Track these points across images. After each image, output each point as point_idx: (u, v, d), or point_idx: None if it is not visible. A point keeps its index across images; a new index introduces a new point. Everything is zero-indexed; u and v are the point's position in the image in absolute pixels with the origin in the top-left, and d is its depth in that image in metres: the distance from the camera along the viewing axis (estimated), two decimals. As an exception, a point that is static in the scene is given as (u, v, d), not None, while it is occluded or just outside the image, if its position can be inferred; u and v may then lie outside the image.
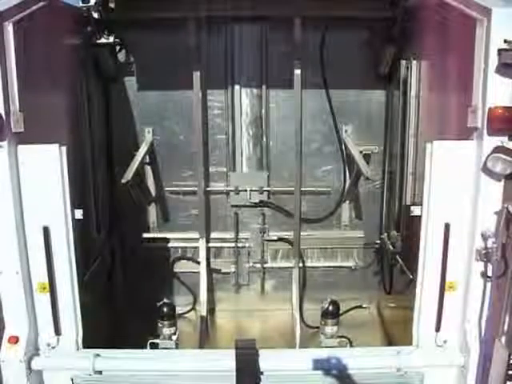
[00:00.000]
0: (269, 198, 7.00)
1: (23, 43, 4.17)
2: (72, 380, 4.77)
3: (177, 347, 5.80)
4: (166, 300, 5.91)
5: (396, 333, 6.24)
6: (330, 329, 5.91)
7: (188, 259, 7.12)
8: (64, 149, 4.39)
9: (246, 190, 6.87)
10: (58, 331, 4.68)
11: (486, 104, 4.05)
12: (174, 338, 5.82)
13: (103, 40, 6.15)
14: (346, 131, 6.78)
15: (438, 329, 4.65)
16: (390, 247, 6.51)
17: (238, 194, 6.92)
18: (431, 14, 5.22)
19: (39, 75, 4.55)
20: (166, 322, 5.78)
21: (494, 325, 4.32)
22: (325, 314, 5.94)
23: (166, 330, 5.79)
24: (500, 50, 3.92)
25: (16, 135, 4.19)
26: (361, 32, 6.41)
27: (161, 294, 6.20)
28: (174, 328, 5.84)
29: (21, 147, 4.27)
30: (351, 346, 5.85)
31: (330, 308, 5.92)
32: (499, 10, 3.92)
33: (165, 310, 5.82)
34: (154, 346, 5.70)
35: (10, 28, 4.02)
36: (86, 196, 5.96)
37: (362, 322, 6.54)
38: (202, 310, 6.41)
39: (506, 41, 3.91)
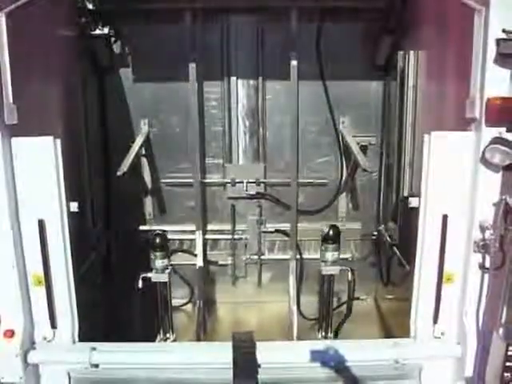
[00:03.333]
0: (265, 189, 6.98)
1: (16, 34, 4.12)
2: (68, 373, 4.76)
3: (169, 280, 5.77)
4: (158, 231, 5.82)
5: (393, 324, 6.24)
6: (330, 255, 5.80)
7: (184, 251, 7.10)
8: (58, 141, 4.36)
9: (242, 182, 6.85)
10: (53, 325, 4.67)
11: (484, 95, 4.03)
12: (167, 271, 5.73)
13: (98, 31, 6.12)
14: (342, 122, 6.76)
15: (435, 320, 4.65)
16: (388, 239, 6.51)
17: (234, 185, 6.90)
18: (429, 4, 5.19)
19: (33, 67, 4.52)
20: (158, 254, 5.66)
21: (491, 316, 4.32)
22: (325, 239, 5.81)
23: (159, 263, 5.67)
24: (498, 40, 3.89)
25: (10, 127, 4.16)
26: (358, 22, 6.37)
27: (157, 286, 6.19)
28: (167, 260, 5.74)
29: (15, 139, 4.24)
30: (353, 275, 5.86)
31: (331, 232, 5.80)
32: (498, 0, 3.88)
33: (157, 240, 5.69)
34: (147, 280, 5.65)
35: (2, 19, 3.98)
36: (81, 188, 5.93)
37: (360, 314, 6.52)
38: (199, 302, 6.40)
39: (504, 30, 3.89)
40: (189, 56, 6.18)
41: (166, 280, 5.74)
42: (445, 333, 4.67)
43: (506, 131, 4.07)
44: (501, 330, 4.24)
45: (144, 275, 5.64)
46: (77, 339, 4.79)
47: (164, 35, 6.33)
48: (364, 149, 6.67)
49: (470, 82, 4.15)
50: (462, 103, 4.25)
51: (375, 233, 7.07)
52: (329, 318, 6.14)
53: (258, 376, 4.50)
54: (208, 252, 7.09)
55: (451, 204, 4.40)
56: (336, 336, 6.08)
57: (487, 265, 4.30)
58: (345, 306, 6.15)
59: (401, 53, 5.96)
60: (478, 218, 4.27)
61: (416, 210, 4.61)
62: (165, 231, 5.98)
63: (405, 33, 5.91)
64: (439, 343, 4.70)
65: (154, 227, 7.00)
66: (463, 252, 4.45)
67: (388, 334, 6.26)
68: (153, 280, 5.70)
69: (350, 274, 5.90)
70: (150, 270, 5.73)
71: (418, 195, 4.59)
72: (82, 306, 4.82)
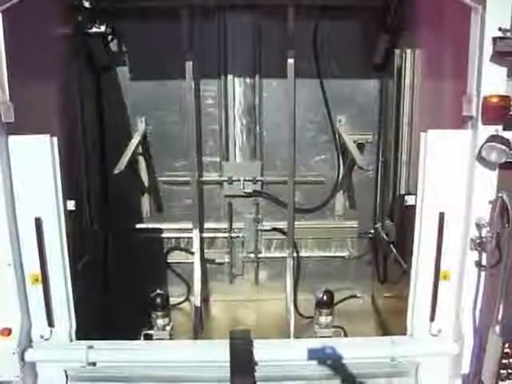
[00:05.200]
0: (262, 187, 6.97)
1: (13, 32, 4.11)
2: (65, 372, 4.77)
3: (171, 338, 5.79)
4: (159, 291, 5.90)
5: (390, 322, 6.24)
6: (324, 319, 5.92)
7: (182, 249, 7.10)
8: (55, 139, 4.36)
9: (239, 180, 6.84)
10: (51, 323, 4.67)
11: (481, 93, 4.05)
12: (168, 328, 5.82)
13: (95, 29, 6.10)
14: (339, 121, 6.76)
15: (432, 318, 4.66)
16: (384, 237, 6.51)
17: (231, 183, 6.89)
18: (426, 3, 5.19)
19: (30, 65, 4.50)
20: (159, 313, 5.77)
21: (488, 314, 4.33)
22: (319, 304, 5.95)
23: (160, 321, 5.78)
24: (495, 39, 3.91)
25: (6, 125, 4.16)
26: (355, 21, 6.37)
27: (154, 284, 6.20)
28: (168, 319, 5.83)
29: (11, 138, 4.24)
30: (346, 336, 5.86)
31: (325, 298, 5.93)
32: (494, -2, 3.90)
33: (158, 300, 5.80)
34: (148, 337, 5.70)
35: (-1, 16, 3.97)
36: (78, 187, 5.92)
37: (356, 312, 6.54)
38: (196, 300, 6.39)
39: (500, 29, 3.90)
40: (186, 54, 6.16)
41: (167, 338, 5.77)
42: (441, 330, 4.69)
43: (503, 129, 4.09)
44: (497, 328, 4.26)
45: (146, 332, 5.71)
46: (74, 337, 4.79)
47: (161, 33, 6.31)
48: (361, 147, 6.69)
49: (466, 80, 4.17)
50: (459, 101, 4.26)
51: (372, 231, 7.06)
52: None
53: (255, 374, 4.51)
54: (205, 250, 7.08)
55: (448, 202, 4.42)
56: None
57: (484, 262, 4.32)
58: (342, 303, 6.14)
59: (398, 51, 5.98)
60: (475, 215, 4.29)
61: (413, 207, 4.61)
62: (165, 294, 5.99)
63: (402, 31, 5.91)
64: (436, 341, 4.72)
65: (152, 225, 7.01)
66: (460, 250, 4.47)
67: (385, 331, 6.26)
68: (154, 338, 5.74)
69: (342, 333, 5.90)
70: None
71: (415, 193, 4.59)
72: (79, 305, 4.82)
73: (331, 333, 5.88)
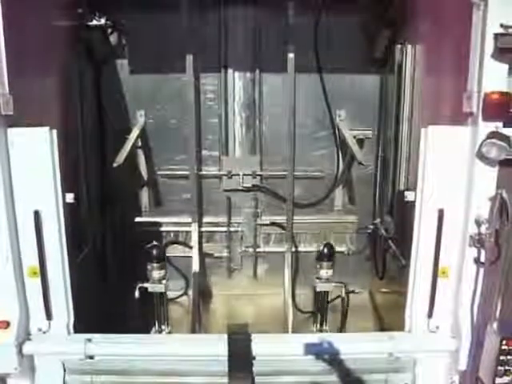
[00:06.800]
0: (261, 182, 6.97)
1: (12, 25, 4.09)
2: (64, 365, 4.77)
3: (166, 291, 5.81)
4: (155, 242, 5.87)
5: (388, 318, 6.25)
6: (325, 272, 5.88)
7: (180, 243, 7.10)
8: (54, 131, 4.35)
9: (238, 175, 6.84)
10: (49, 316, 4.66)
11: (482, 89, 4.03)
12: (164, 281, 5.77)
13: (95, 22, 6.07)
14: (339, 116, 6.74)
15: (430, 314, 4.67)
16: (383, 232, 6.52)
17: (230, 178, 6.89)
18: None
19: (29, 57, 4.48)
20: (155, 265, 5.71)
21: (486, 311, 4.34)
22: (320, 257, 5.90)
23: (156, 273, 5.72)
24: (496, 35, 3.89)
25: (5, 118, 4.14)
26: (355, 15, 6.34)
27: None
28: (164, 271, 5.79)
29: (11, 130, 4.22)
30: (347, 292, 5.92)
31: (325, 250, 5.87)
32: (496, -6, 3.88)
33: (154, 252, 5.74)
34: (144, 290, 5.68)
35: (-2, 9, 3.95)
36: (77, 179, 5.92)
37: (355, 308, 6.53)
38: (194, 294, 6.40)
39: (502, 25, 3.88)
40: (186, 48, 6.15)
41: (163, 291, 5.78)
42: (439, 327, 4.69)
43: (503, 126, 4.08)
44: (495, 324, 4.27)
45: (141, 285, 5.69)
46: (72, 330, 4.78)
47: (161, 26, 6.30)
48: (360, 142, 6.67)
49: (467, 76, 4.15)
50: (460, 97, 4.25)
51: (371, 226, 7.05)
52: (324, 312, 6.17)
53: (253, 368, 4.52)
54: (204, 244, 7.08)
55: (447, 198, 4.41)
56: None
57: (482, 259, 4.32)
58: (339, 299, 6.14)
59: (398, 46, 5.96)
60: (474, 212, 4.29)
61: (412, 203, 4.61)
62: (161, 246, 6.02)
63: (403, 26, 5.88)
64: (434, 337, 4.72)
65: (150, 219, 7.01)
66: (459, 246, 4.47)
67: (383, 327, 6.28)
68: (149, 290, 5.74)
69: (343, 289, 5.93)
70: (145, 273, 5.80)
71: (414, 189, 4.59)
72: (78, 298, 4.82)
73: (332, 287, 5.89)
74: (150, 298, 5.85)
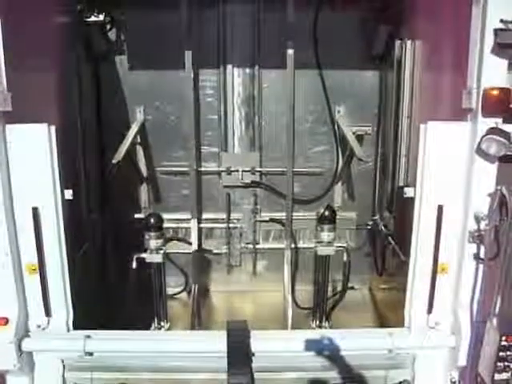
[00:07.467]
0: (261, 178, 6.97)
1: (10, 21, 4.08)
2: (63, 361, 4.78)
3: (164, 261, 5.80)
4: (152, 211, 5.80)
5: (388, 314, 6.25)
6: (326, 235, 5.86)
7: (179, 240, 7.09)
8: (53, 128, 4.35)
9: (237, 171, 6.83)
10: (48, 313, 4.67)
11: (481, 85, 4.03)
12: (162, 251, 5.73)
13: (93, 18, 6.06)
14: (338, 112, 6.74)
15: (429, 311, 4.67)
16: (383, 229, 6.51)
17: (229, 174, 6.88)
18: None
19: (27, 54, 4.46)
20: (152, 234, 5.66)
21: (485, 307, 4.34)
22: (320, 220, 5.85)
23: (153, 242, 5.68)
24: (496, 30, 3.88)
25: (4, 114, 4.13)
26: (354, 11, 6.34)
27: (152, 273, 6.19)
28: (162, 241, 5.75)
29: (9, 127, 4.22)
30: (348, 255, 5.92)
31: (326, 212, 5.83)
32: (496, -11, 3.87)
33: (151, 220, 5.68)
34: (141, 260, 5.65)
35: (-4, 5, 3.94)
36: (76, 176, 5.90)
37: (354, 304, 6.54)
38: (194, 290, 6.39)
39: (502, 20, 3.87)
40: (185, 44, 6.13)
41: (160, 261, 5.72)
42: (439, 323, 4.70)
43: (503, 122, 4.08)
44: (494, 320, 4.27)
45: (138, 255, 5.64)
46: (71, 327, 4.79)
47: (160, 22, 6.28)
48: (360, 138, 6.65)
49: (467, 72, 4.14)
50: (459, 93, 4.24)
51: (370, 222, 7.06)
52: (323, 307, 6.17)
53: (252, 364, 4.52)
54: (203, 240, 7.08)
55: (447, 194, 4.41)
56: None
57: (482, 255, 4.32)
58: (339, 295, 6.15)
59: (398, 42, 5.94)
60: (474, 208, 4.29)
61: (411, 199, 4.61)
62: (159, 214, 5.95)
63: (402, 22, 5.87)
64: (433, 333, 4.72)
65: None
66: (458, 242, 4.47)
67: (382, 323, 6.27)
68: (147, 260, 5.69)
69: (345, 254, 5.91)
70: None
71: (414, 185, 4.58)
72: (77, 295, 4.81)
73: (333, 251, 5.87)
74: (149, 294, 5.84)
